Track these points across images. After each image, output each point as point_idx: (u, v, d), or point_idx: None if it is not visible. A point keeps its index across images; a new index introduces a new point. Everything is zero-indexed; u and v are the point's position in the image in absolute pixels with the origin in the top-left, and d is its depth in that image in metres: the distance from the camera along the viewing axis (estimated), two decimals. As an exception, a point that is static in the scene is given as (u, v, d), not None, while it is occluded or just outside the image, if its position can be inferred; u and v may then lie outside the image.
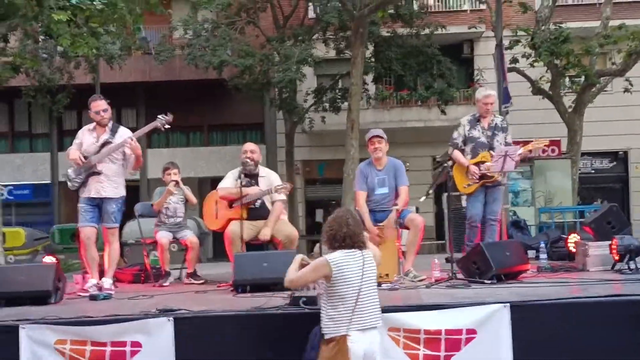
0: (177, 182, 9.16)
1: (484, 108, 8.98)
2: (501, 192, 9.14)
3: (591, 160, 25.76)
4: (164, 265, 8.91)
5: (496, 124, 9.01)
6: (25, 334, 5.93)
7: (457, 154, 8.90)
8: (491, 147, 8.87)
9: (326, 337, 5.14)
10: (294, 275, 5.34)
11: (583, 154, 22.66)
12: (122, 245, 14.77)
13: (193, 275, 8.98)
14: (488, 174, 8.73)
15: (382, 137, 8.20)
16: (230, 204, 8.54)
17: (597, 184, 25.49)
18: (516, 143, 9.34)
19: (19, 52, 18.90)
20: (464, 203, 9.83)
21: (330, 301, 5.15)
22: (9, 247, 17.76)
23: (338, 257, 5.12)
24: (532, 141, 9.44)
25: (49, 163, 26.99)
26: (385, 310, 5.94)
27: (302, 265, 5.41)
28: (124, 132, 8.11)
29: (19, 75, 19.39)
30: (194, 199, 9.30)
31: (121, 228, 12.29)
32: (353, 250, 5.18)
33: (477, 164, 8.78)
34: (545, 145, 9.15)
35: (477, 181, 8.77)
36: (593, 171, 25.88)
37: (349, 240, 5.18)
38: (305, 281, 5.35)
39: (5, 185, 25.83)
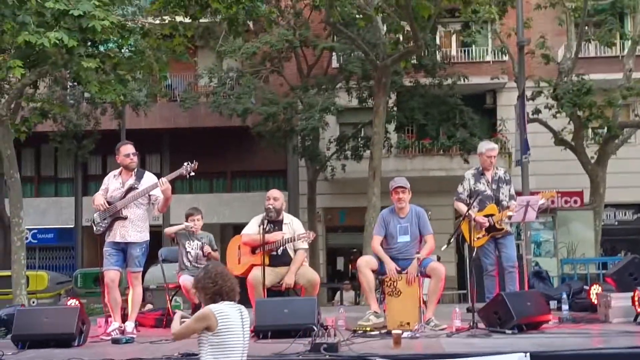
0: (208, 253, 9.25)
1: (487, 161, 9.11)
2: (512, 240, 9.18)
3: (614, 212, 25.56)
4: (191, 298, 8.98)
5: (499, 176, 9.14)
6: (48, 376, 6.02)
7: (462, 207, 8.89)
8: (497, 200, 8.97)
9: None
10: (179, 328, 5.28)
11: (606, 206, 22.56)
12: (144, 290, 14.96)
13: None
14: (497, 226, 8.79)
15: (405, 187, 8.30)
16: (253, 250, 8.62)
17: (621, 235, 25.26)
18: (537, 193, 9.40)
19: (47, 98, 19.27)
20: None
21: (213, 352, 5.11)
22: (32, 290, 17.87)
23: (222, 309, 5.13)
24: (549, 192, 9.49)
25: (73, 207, 27.24)
26: (406, 358, 5.99)
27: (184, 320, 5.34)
28: (149, 178, 8.26)
29: (46, 120, 19.78)
30: (217, 256, 9.36)
31: (145, 272, 12.38)
32: (233, 303, 5.22)
33: (485, 217, 8.85)
34: (552, 196, 9.20)
35: (486, 234, 8.83)
36: (616, 223, 25.66)
37: (232, 293, 5.23)
38: (191, 331, 5.20)
39: (30, 229, 26.07)
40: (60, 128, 22.62)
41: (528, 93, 19.98)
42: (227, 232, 24.41)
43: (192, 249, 9.23)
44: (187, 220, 9.44)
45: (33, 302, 17.53)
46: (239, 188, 27.45)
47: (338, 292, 22.63)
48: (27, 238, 23.55)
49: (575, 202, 23.22)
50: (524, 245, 15.18)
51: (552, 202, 20.08)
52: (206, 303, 5.19)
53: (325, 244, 26.72)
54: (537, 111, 21.04)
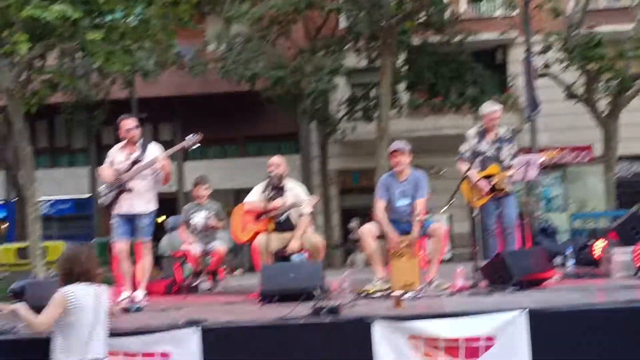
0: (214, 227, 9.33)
1: (490, 123, 9.10)
2: (512, 200, 9.21)
3: (629, 164, 25.42)
4: (197, 267, 9.19)
5: (501, 136, 9.13)
6: (59, 346, 6.17)
7: (465, 167, 8.88)
8: (498, 160, 8.98)
9: None
10: (40, 318, 5.37)
11: (620, 158, 22.47)
12: (159, 257, 15.21)
13: (214, 275, 9.25)
14: (497, 187, 8.83)
15: (403, 151, 8.34)
16: (258, 217, 8.75)
17: (636, 188, 25.14)
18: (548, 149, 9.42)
19: (56, 70, 19.34)
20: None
21: (63, 331, 5.34)
22: (51, 260, 18.08)
23: (72, 289, 5.37)
24: (561, 147, 9.54)
25: (88, 177, 27.49)
26: (405, 318, 6.10)
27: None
28: (154, 149, 8.37)
29: (57, 92, 19.88)
30: (219, 224, 9.50)
31: (158, 240, 12.57)
32: (88, 285, 5.44)
33: (486, 177, 8.89)
34: (553, 155, 9.20)
35: (487, 194, 8.87)
36: (630, 175, 25.55)
37: (86, 275, 5.46)
38: (52, 318, 5.35)
39: (47, 200, 26.35)
40: (71, 99, 22.75)
41: (538, 47, 19.86)
42: (242, 196, 24.05)
43: (199, 218, 9.36)
44: (194, 187, 9.59)
45: (51, 272, 17.77)
46: (252, 153, 27.52)
47: (352, 254, 22.78)
48: (44, 209, 23.93)
49: (585, 156, 23.10)
50: (525, 201, 15.20)
51: (552, 158, 19.96)
52: (59, 285, 5.43)
53: (340, 205, 26.82)
54: (547, 65, 20.92)
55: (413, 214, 8.18)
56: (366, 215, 25.17)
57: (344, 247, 24.84)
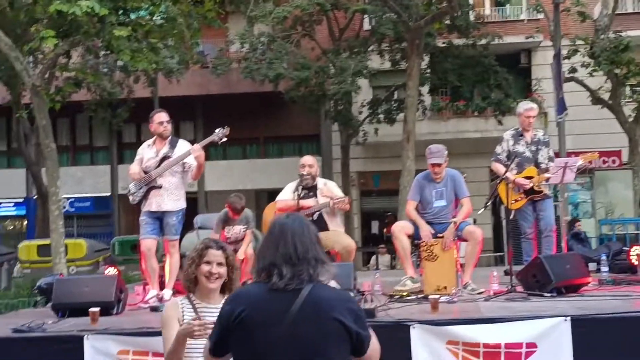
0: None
1: (526, 122, 8.93)
2: (550, 204, 9.06)
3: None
4: None
5: (539, 138, 8.98)
6: (89, 344, 6.06)
7: (501, 168, 8.70)
8: (536, 162, 8.81)
9: None
10: None
11: (645, 164, 22.19)
12: (181, 256, 15.11)
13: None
14: (536, 188, 8.66)
15: (441, 163, 8.11)
16: (289, 216, 8.58)
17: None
18: (575, 153, 9.26)
19: (80, 67, 19.34)
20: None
21: None
22: (70, 258, 18.07)
23: None
24: (587, 152, 9.35)
25: (109, 175, 27.49)
26: (443, 323, 5.94)
27: None
28: (183, 145, 8.23)
29: (80, 90, 19.86)
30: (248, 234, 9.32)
31: (181, 239, 12.47)
32: None
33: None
34: (594, 158, 9.01)
35: (524, 197, 8.70)
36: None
37: None
38: None
39: (67, 198, 26.34)
40: (94, 97, 22.72)
41: (564, 52, 19.65)
42: (261, 197, 24.45)
43: (231, 234, 9.17)
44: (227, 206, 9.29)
45: (72, 270, 17.74)
46: (273, 153, 27.47)
47: (374, 257, 22.66)
48: (64, 207, 23.92)
49: (614, 161, 22.83)
50: (562, 206, 15.02)
51: (590, 162, 19.73)
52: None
53: (360, 208, 26.69)
54: (573, 70, 20.69)
55: (449, 214, 8.01)
56: (386, 218, 25.19)
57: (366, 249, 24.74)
